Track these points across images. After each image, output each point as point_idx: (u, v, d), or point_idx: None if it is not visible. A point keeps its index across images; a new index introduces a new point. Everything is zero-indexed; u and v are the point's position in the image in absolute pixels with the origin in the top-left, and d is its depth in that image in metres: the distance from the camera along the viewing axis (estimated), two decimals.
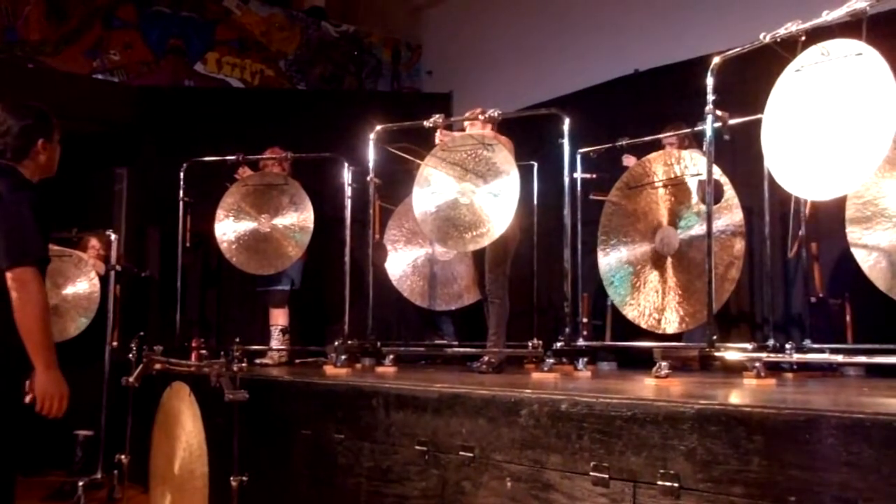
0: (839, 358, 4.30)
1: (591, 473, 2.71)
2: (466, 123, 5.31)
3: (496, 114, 5.18)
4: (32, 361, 2.83)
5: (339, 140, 6.53)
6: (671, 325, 4.94)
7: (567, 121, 4.82)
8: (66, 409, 2.91)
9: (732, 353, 4.12)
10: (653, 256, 5.09)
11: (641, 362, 4.81)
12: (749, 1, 6.31)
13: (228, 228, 6.30)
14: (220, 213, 6.32)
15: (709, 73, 3.99)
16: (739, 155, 4.83)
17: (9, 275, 2.82)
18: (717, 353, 3.95)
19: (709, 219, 4.04)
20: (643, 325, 5.08)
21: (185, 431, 3.80)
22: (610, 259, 5.25)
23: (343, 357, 5.04)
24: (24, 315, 2.81)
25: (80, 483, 5.04)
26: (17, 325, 2.81)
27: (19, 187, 2.96)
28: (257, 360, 6.23)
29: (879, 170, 3.81)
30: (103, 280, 6.05)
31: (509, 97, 7.31)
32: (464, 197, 5.03)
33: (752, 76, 4.66)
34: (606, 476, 2.67)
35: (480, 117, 5.18)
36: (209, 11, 8.77)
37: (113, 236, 6.07)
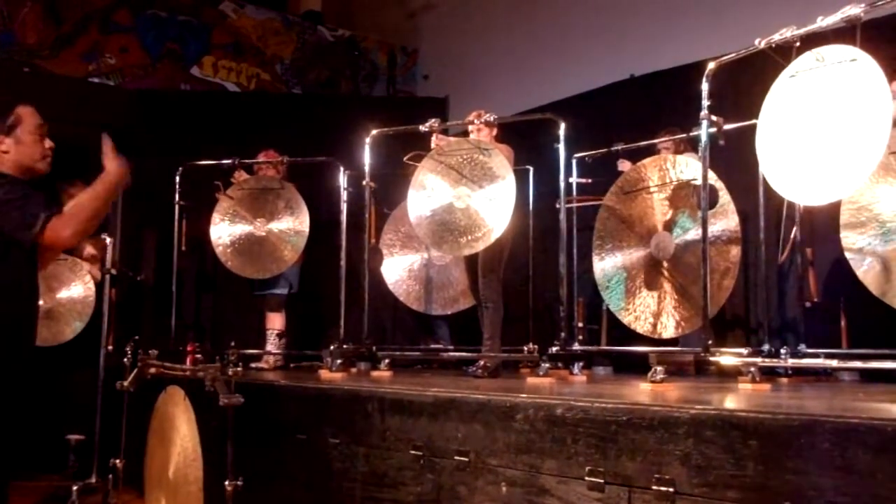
0: (834, 363, 4.30)
1: (587, 478, 2.71)
2: (470, 127, 5.32)
3: (492, 118, 5.20)
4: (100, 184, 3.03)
5: (335, 144, 6.54)
6: (667, 329, 4.95)
7: (563, 125, 4.83)
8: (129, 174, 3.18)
9: (728, 357, 4.13)
10: (648, 261, 5.10)
11: (637, 367, 4.82)
12: (744, 7, 6.33)
13: (224, 232, 6.30)
14: (215, 216, 6.31)
15: (704, 79, 4.01)
16: (734, 160, 4.84)
17: (44, 241, 2.88)
18: (712, 358, 3.96)
19: (704, 224, 4.05)
20: (638, 330, 5.09)
21: (180, 436, 3.79)
22: (605, 263, 5.26)
23: (338, 361, 5.03)
24: (89, 212, 2.96)
25: (75, 488, 5.02)
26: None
27: None
28: (252, 365, 6.22)
29: (873, 175, 3.81)
30: (98, 284, 6.04)
31: (505, 102, 7.32)
32: (459, 201, 5.03)
33: (747, 82, 4.68)
34: (602, 481, 2.67)
35: (477, 121, 5.19)
36: (205, 15, 8.78)
37: (108, 240, 6.05)
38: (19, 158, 3.09)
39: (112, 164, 3.09)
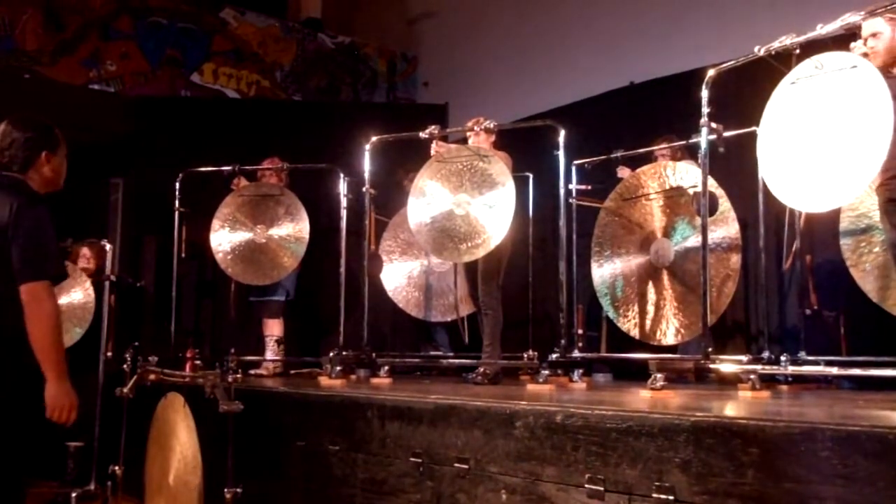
0: (834, 370, 4.30)
1: (587, 486, 2.71)
2: (468, 134, 5.32)
3: (492, 125, 5.20)
4: (44, 373, 2.90)
5: (335, 151, 6.55)
6: (667, 336, 4.94)
7: (562, 132, 4.84)
8: (75, 419, 2.98)
9: (728, 365, 4.12)
10: (647, 268, 5.10)
11: (637, 374, 4.81)
12: (744, 14, 6.35)
13: (224, 239, 6.30)
14: (215, 223, 6.31)
15: (704, 86, 4.01)
16: (734, 167, 4.84)
17: (23, 288, 2.88)
18: (712, 365, 3.95)
19: (704, 231, 4.04)
20: (637, 337, 5.08)
21: (180, 442, 3.78)
22: (604, 270, 5.27)
23: (338, 368, 5.02)
24: (37, 329, 2.89)
25: (74, 494, 5.01)
26: (29, 337, 2.88)
27: (35, 201, 3.03)
28: (252, 371, 6.22)
29: (874, 182, 3.81)
30: (98, 290, 6.03)
31: (505, 108, 7.33)
32: (459, 208, 5.03)
33: (747, 89, 4.68)
34: (602, 488, 2.66)
35: (477, 128, 5.19)
36: (206, 22, 8.80)
37: (108, 246, 6.05)
38: (56, 177, 3.21)
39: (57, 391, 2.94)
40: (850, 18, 3.56)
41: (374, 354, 5.30)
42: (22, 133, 3.10)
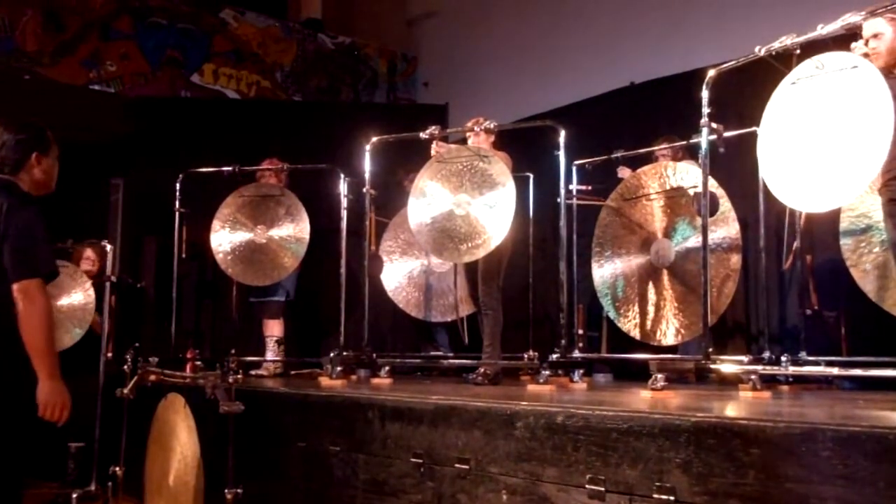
0: (834, 371, 4.30)
1: (587, 486, 2.71)
2: (468, 134, 5.32)
3: (492, 125, 5.20)
4: (36, 371, 2.91)
5: (335, 151, 6.55)
6: (667, 337, 4.94)
7: (563, 133, 4.83)
8: (68, 418, 2.99)
9: (728, 365, 4.13)
10: (648, 268, 5.10)
11: (637, 374, 4.81)
12: (744, 14, 6.35)
13: (224, 239, 6.30)
14: (216, 223, 6.32)
15: (704, 86, 4.01)
16: (735, 167, 4.85)
17: (16, 286, 2.90)
18: (712, 366, 3.95)
19: (704, 231, 4.04)
20: (638, 337, 5.08)
21: (180, 443, 3.79)
22: (604, 270, 5.27)
23: (338, 368, 5.02)
24: (29, 326, 2.90)
25: (74, 495, 5.01)
26: (22, 335, 2.89)
27: (26, 202, 3.04)
28: (252, 372, 6.22)
29: (874, 182, 3.81)
30: (98, 291, 6.03)
31: (505, 109, 7.33)
32: (459, 208, 5.03)
33: (747, 89, 4.68)
34: (602, 489, 2.66)
35: (477, 128, 5.19)
36: (206, 23, 8.80)
37: (108, 247, 6.05)
38: (47, 179, 3.21)
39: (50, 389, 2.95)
40: (850, 19, 3.56)
41: (374, 355, 5.29)
42: (13, 135, 3.12)
